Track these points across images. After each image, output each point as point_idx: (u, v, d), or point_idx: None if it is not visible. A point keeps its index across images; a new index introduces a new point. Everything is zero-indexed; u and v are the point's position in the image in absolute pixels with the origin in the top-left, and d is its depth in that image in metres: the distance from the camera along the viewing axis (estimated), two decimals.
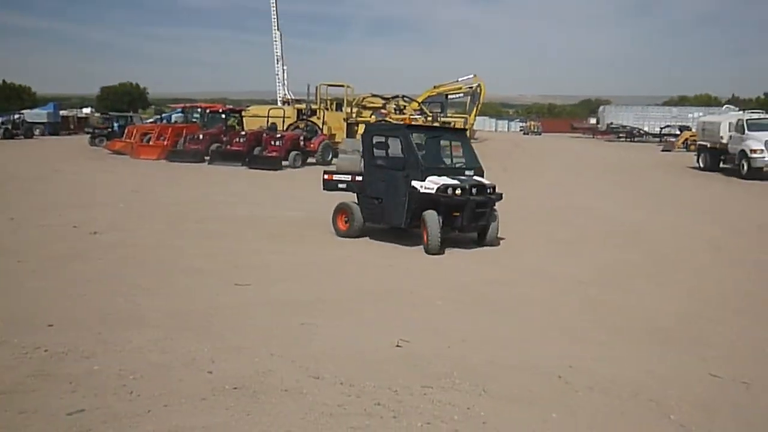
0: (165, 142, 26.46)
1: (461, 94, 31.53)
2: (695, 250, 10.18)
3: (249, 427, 4.06)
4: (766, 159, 21.16)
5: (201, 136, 26.05)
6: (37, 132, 42.90)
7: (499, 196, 9.84)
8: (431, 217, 9.20)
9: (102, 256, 8.75)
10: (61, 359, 5.08)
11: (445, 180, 9.37)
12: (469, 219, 9.47)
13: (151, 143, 26.69)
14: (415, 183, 9.48)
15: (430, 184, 9.33)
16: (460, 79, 31.40)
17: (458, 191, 9.31)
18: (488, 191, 9.70)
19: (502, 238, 10.26)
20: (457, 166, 10.29)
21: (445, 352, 5.44)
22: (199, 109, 30.96)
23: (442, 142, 10.77)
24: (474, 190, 9.49)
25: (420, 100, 30.17)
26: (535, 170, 24.94)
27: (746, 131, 22.27)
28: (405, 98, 29.96)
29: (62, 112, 51.47)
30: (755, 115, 24.96)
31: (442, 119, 29.64)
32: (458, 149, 10.84)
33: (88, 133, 37.28)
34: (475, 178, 9.83)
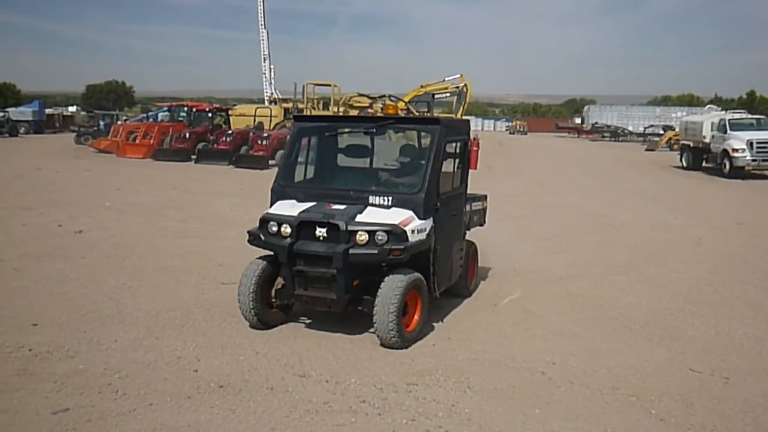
0: (151, 141, 26.29)
1: (448, 94, 31.49)
2: (676, 245, 10.30)
3: (234, 425, 4.09)
4: (747, 158, 21.40)
5: (187, 135, 25.90)
6: (21, 130, 42.43)
7: (402, 254, 5.42)
8: (248, 268, 5.93)
9: (85, 255, 8.71)
10: (46, 358, 5.07)
11: (285, 208, 5.93)
12: (294, 282, 5.71)
13: (137, 142, 26.52)
14: None
15: (264, 214, 6.01)
16: (446, 79, 31.38)
17: (284, 229, 5.67)
18: (355, 236, 5.48)
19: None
20: (361, 191, 6.00)
21: (429, 350, 5.49)
22: (185, 108, 30.75)
23: (376, 146, 6.72)
24: (320, 232, 5.55)
25: (407, 99, 30.15)
26: (520, 169, 25.07)
27: (728, 131, 22.52)
28: (392, 98, 29.86)
29: (47, 110, 50.96)
30: (737, 115, 25.24)
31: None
32: (404, 158, 6.76)
33: (73, 131, 37.03)
34: (372, 212, 5.68)
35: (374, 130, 6.36)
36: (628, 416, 4.35)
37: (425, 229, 5.74)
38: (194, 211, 12.84)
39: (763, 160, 21.47)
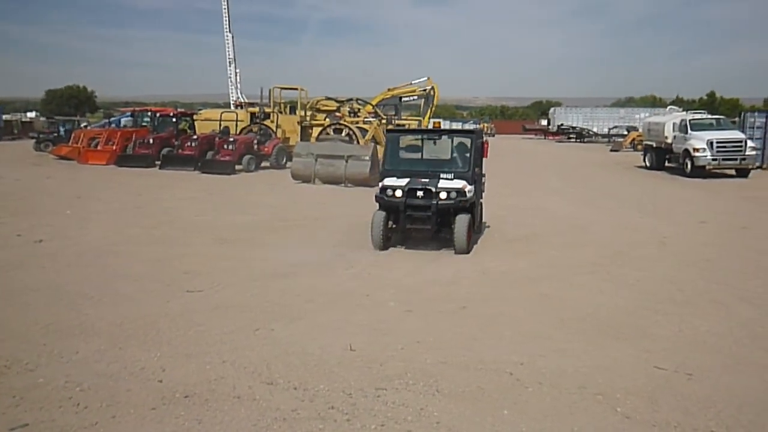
0: (114, 147, 25.75)
1: (415, 97, 31.56)
2: (641, 245, 10.49)
3: None
4: (708, 158, 21.93)
5: (151, 141, 25.47)
6: None
7: (467, 203, 9.70)
8: (375, 216, 9.83)
9: (46, 264, 8.49)
10: (4, 372, 4.92)
11: (393, 181, 9.91)
12: (405, 221, 9.85)
13: (99, 148, 25.98)
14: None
15: (381, 185, 10.05)
16: (413, 82, 31.45)
17: (397, 193, 9.76)
18: (439, 195, 9.60)
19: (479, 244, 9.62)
20: (434, 170, 10.16)
21: (398, 354, 5.47)
22: (149, 113, 30.26)
23: (437, 145, 10.78)
24: (420, 193, 9.71)
25: (374, 102, 30.15)
26: (489, 171, 25.25)
27: (689, 131, 23.05)
28: (359, 101, 29.91)
29: (5, 116, 49.53)
30: (698, 116, 25.83)
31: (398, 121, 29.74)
32: (456, 152, 10.58)
33: (32, 138, 36.05)
34: (444, 182, 9.79)
35: (438, 137, 10.83)
36: (594, 415, 4.40)
37: (472, 191, 10.02)
38: (160, 218, 12.64)
39: (723, 160, 22.03)
